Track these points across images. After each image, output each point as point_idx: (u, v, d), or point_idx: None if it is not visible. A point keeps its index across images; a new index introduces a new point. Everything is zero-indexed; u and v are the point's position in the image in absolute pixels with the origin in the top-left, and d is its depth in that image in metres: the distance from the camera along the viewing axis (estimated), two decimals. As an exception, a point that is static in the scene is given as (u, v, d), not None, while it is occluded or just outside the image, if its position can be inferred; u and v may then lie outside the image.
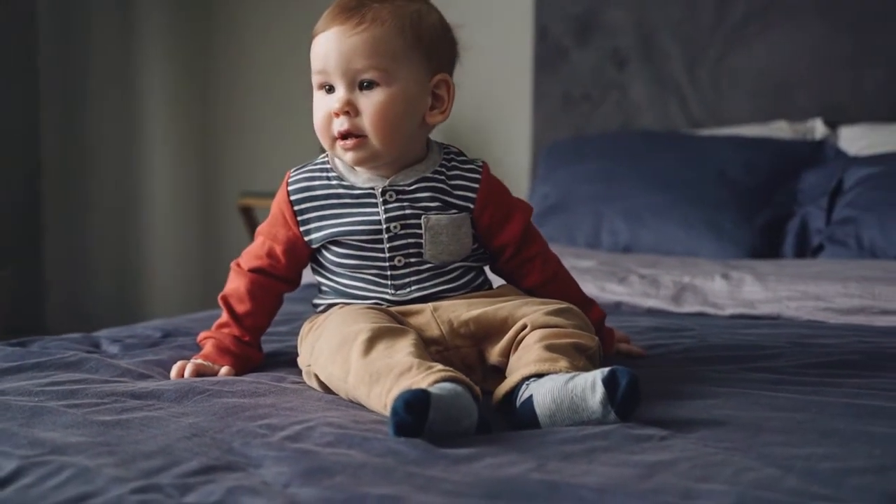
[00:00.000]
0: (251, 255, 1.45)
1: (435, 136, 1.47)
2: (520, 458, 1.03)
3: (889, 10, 2.80)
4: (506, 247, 1.44)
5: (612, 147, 2.81)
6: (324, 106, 1.37)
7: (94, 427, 1.11)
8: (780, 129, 2.82)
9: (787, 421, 1.18)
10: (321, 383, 1.31)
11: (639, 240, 2.48)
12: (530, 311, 1.32)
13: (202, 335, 1.46)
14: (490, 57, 3.21)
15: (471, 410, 1.11)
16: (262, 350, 1.47)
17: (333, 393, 1.30)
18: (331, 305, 1.42)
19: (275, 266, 1.44)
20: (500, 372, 1.32)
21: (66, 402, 1.21)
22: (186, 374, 1.38)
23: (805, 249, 2.41)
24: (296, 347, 1.56)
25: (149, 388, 1.29)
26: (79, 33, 3.69)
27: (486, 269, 1.49)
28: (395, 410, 1.07)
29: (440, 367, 1.17)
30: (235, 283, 1.45)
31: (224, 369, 1.40)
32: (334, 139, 1.37)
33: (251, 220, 3.18)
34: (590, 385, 1.15)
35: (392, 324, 1.29)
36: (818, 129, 2.80)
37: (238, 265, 1.46)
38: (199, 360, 1.41)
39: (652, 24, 3.07)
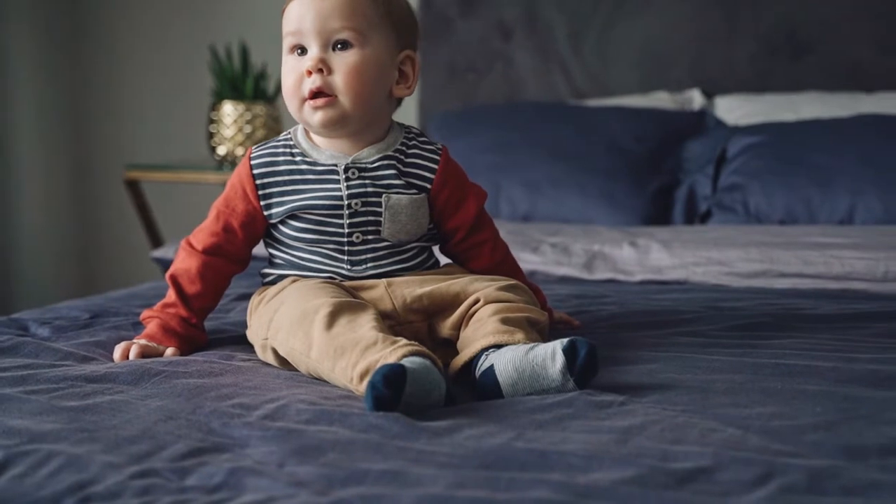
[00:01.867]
0: (205, 231, 1.43)
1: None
2: (497, 428, 1.07)
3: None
4: (458, 229, 1.47)
5: (503, 118, 2.86)
6: (295, 67, 1.38)
7: (63, 413, 1.10)
8: (661, 100, 2.92)
9: (729, 382, 1.25)
10: (278, 357, 1.32)
11: (537, 209, 2.54)
12: (482, 286, 1.36)
13: (146, 314, 1.44)
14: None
15: (440, 383, 1.15)
16: (206, 331, 1.47)
17: (290, 368, 1.31)
18: (281, 277, 1.42)
19: (231, 241, 1.43)
20: (450, 345, 1.36)
21: (23, 389, 1.19)
22: (131, 355, 1.37)
23: (693, 216, 2.52)
24: (233, 325, 1.56)
25: (100, 371, 1.27)
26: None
27: (435, 248, 1.52)
28: (373, 385, 1.09)
29: (404, 341, 1.20)
30: (186, 263, 1.43)
31: (169, 350, 1.39)
32: (303, 100, 1.37)
33: (138, 195, 3.11)
34: (550, 354, 1.19)
35: (351, 298, 1.31)
36: (696, 99, 2.92)
37: (190, 245, 1.44)
38: (144, 341, 1.39)
39: (536, -4, 3.12)
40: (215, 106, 3.05)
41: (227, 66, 3.05)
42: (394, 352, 1.17)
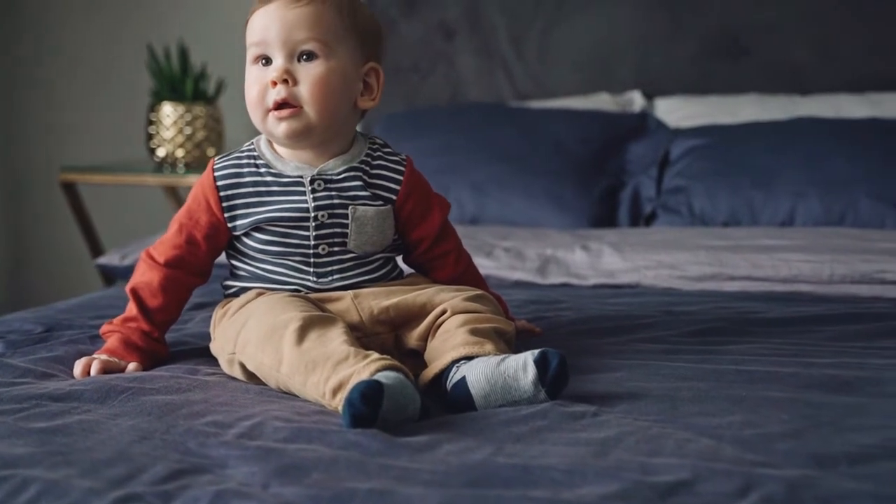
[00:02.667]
0: (167, 244, 1.41)
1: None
2: (475, 442, 1.07)
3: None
4: (422, 240, 1.47)
5: (449, 120, 2.86)
6: (259, 78, 1.38)
7: (33, 436, 1.07)
8: (603, 101, 2.95)
9: (694, 390, 1.27)
10: (246, 372, 1.31)
11: (484, 211, 2.55)
12: (448, 296, 1.36)
13: (105, 328, 1.42)
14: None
15: (415, 397, 1.15)
16: (167, 345, 1.44)
17: (257, 382, 1.30)
18: (244, 289, 1.41)
19: (194, 253, 1.41)
20: (416, 356, 1.36)
21: (-14, 410, 1.16)
22: (93, 371, 1.34)
23: (638, 217, 2.55)
24: (193, 336, 1.55)
25: (64, 389, 1.24)
26: None
27: (398, 258, 1.51)
28: (350, 402, 1.09)
29: (376, 355, 1.19)
30: (148, 276, 1.41)
31: (132, 366, 1.37)
32: (267, 111, 1.37)
33: (75, 198, 3.05)
34: (521, 366, 1.20)
35: (320, 312, 1.30)
36: (637, 100, 2.96)
37: (151, 257, 1.42)
38: (105, 357, 1.37)
39: (477, -3, 3.13)
40: (154, 107, 3.01)
41: (165, 66, 3.01)
42: (367, 366, 1.16)
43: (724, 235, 2.17)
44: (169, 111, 2.97)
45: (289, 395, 1.25)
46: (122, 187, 3.27)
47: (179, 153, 2.97)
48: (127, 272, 2.20)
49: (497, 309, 1.40)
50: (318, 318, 1.26)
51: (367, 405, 1.08)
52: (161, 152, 2.99)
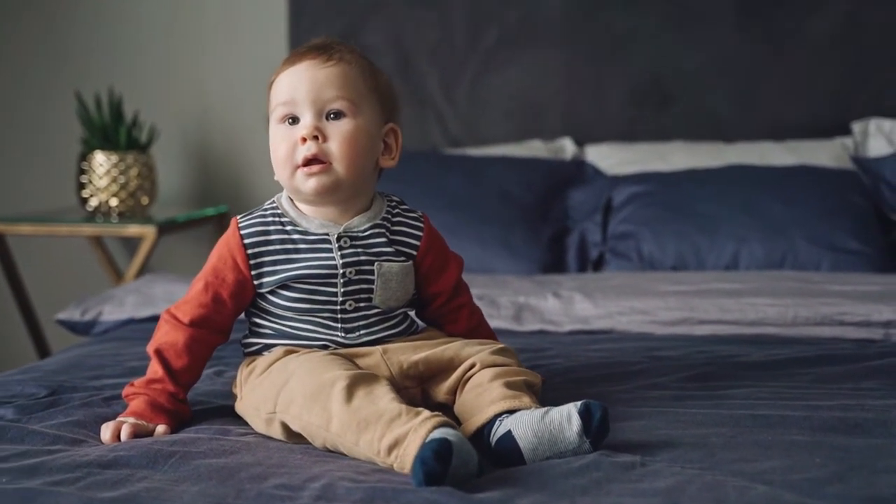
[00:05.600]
0: (192, 303, 1.40)
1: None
2: (545, 497, 1.09)
3: (621, 43, 3.08)
4: (439, 295, 1.50)
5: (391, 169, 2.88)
6: (288, 136, 1.40)
7: (107, 507, 1.05)
8: (535, 148, 3.02)
9: (722, 437, 1.32)
10: (287, 431, 1.31)
11: (437, 259, 2.58)
12: (474, 350, 1.39)
13: (128, 391, 1.40)
14: (244, 76, 3.18)
15: (473, 453, 1.17)
16: (190, 405, 1.43)
17: (296, 441, 1.30)
18: (266, 346, 1.41)
19: (219, 311, 1.41)
20: (444, 409, 1.38)
21: (43, 482, 1.12)
22: (123, 435, 1.32)
23: (586, 262, 2.62)
24: (206, 395, 1.53)
25: (107, 455, 1.22)
26: None
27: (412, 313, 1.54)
28: (423, 460, 1.10)
29: (427, 412, 1.21)
30: (172, 337, 1.39)
31: (160, 428, 1.35)
32: (296, 167, 1.39)
33: (4, 251, 2.95)
34: (566, 418, 1.24)
35: (360, 369, 1.31)
36: (568, 147, 3.04)
37: (174, 317, 1.40)
38: (133, 420, 1.35)
39: (409, 46, 3.17)
40: (86, 156, 2.94)
41: (95, 114, 2.95)
42: (422, 424, 1.18)
43: (682, 280, 2.25)
44: (102, 160, 2.91)
45: (336, 453, 1.26)
46: (41, 238, 3.17)
47: (113, 202, 2.91)
48: (87, 327, 2.15)
49: (519, 361, 1.43)
50: (362, 376, 1.28)
51: (439, 462, 1.10)
52: (94, 202, 2.92)
